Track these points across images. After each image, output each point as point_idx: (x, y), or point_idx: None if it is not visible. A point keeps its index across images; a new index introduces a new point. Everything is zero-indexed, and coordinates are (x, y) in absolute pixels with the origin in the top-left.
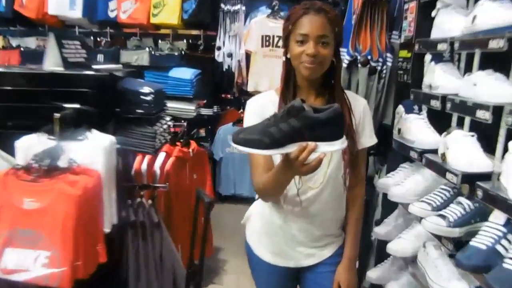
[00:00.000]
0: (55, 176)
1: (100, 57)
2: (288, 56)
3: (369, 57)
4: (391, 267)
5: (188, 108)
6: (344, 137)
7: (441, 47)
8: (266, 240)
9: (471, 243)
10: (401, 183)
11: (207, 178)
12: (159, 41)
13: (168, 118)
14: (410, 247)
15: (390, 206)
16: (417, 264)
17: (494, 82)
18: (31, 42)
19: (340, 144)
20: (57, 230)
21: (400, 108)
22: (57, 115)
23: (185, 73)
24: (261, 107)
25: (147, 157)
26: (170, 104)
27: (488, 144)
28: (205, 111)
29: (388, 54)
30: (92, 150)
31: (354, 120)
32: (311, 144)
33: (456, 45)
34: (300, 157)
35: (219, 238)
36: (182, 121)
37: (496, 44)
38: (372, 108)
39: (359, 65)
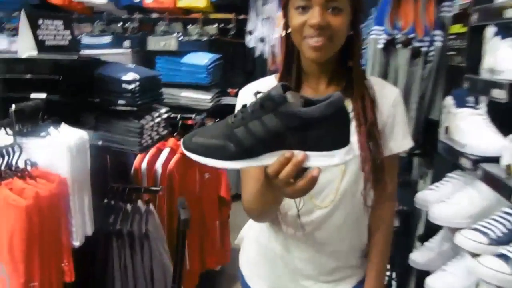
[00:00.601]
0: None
1: (126, 43)
2: (289, 30)
3: (411, 36)
4: None
5: (202, 98)
6: (350, 144)
7: (510, 13)
8: (263, 270)
9: None
10: (448, 200)
11: (222, 176)
12: (189, 26)
13: (163, 110)
14: (458, 286)
15: None
16: None
17: None
18: None
19: (343, 155)
20: (4, 246)
21: (449, 100)
22: (13, 107)
23: (201, 59)
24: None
25: (149, 154)
26: (184, 94)
27: None
28: (235, 101)
29: (437, 32)
30: (55, 149)
31: (381, 116)
32: (297, 154)
33: None
34: (282, 174)
35: None
36: (203, 112)
37: None
38: (415, 100)
39: (399, 45)
